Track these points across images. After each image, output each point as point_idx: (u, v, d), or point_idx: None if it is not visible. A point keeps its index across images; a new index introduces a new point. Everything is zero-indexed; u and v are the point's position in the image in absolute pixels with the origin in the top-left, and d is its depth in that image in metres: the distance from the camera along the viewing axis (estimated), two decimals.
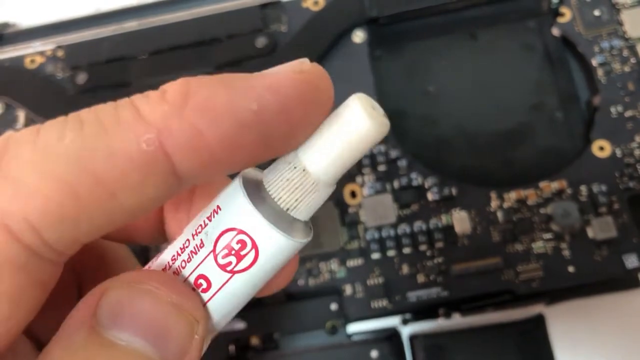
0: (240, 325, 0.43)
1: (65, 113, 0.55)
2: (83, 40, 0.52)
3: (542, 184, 0.43)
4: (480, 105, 0.48)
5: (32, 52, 0.52)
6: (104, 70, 0.50)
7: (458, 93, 0.49)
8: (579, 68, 0.49)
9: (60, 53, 0.52)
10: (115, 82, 0.50)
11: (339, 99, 0.50)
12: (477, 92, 0.49)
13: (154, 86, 0.52)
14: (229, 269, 0.17)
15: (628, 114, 0.44)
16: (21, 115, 0.50)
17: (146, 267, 0.19)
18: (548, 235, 0.42)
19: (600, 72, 0.46)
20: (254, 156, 0.17)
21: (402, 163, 0.45)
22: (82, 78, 0.50)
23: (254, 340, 0.42)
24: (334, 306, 0.42)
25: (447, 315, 0.42)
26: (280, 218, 0.18)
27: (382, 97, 0.47)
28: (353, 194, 0.44)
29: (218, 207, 0.18)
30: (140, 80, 0.49)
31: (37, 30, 0.53)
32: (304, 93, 0.17)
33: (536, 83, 0.49)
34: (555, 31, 0.49)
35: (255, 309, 0.43)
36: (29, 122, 0.50)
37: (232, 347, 0.42)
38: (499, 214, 0.43)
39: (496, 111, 0.48)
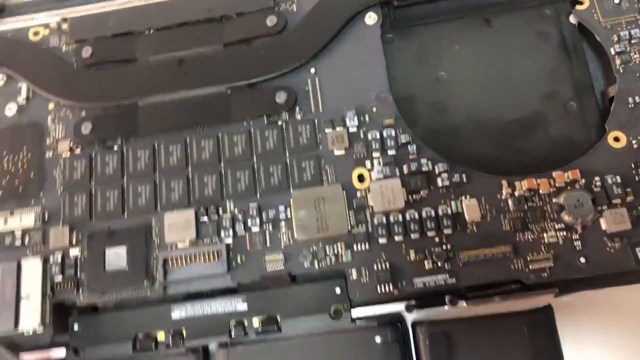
0: (243, 306, 0.42)
1: (68, 87, 0.54)
2: (89, 13, 0.51)
3: (555, 173, 0.42)
4: (492, 92, 0.47)
5: (37, 24, 0.51)
6: (109, 44, 0.49)
7: (470, 80, 0.48)
8: (595, 57, 0.48)
9: (65, 26, 0.50)
10: (120, 57, 0.49)
11: (352, 82, 0.49)
12: (490, 79, 0.48)
13: (161, 62, 0.52)
14: None
15: None
16: (23, 87, 0.48)
17: None
18: (560, 225, 0.41)
19: (618, 61, 0.45)
20: None
21: (412, 148, 0.44)
22: (86, 52, 0.49)
23: (256, 322, 0.41)
24: (338, 290, 0.42)
25: (453, 303, 0.41)
26: None
27: (393, 82, 0.46)
28: (361, 178, 0.43)
29: None
30: (146, 56, 0.48)
31: (42, 2, 0.52)
32: None
33: (551, 72, 0.48)
34: (572, 19, 0.48)
35: (258, 290, 0.42)
36: (30, 95, 0.48)
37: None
38: (510, 202, 0.42)
39: (509, 99, 0.47)
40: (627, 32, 0.45)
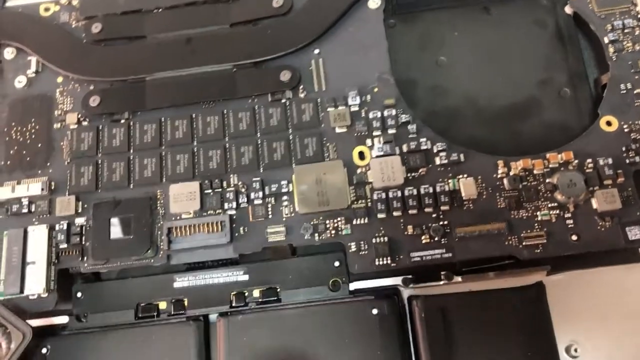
0: (244, 277, 0.43)
1: (77, 62, 0.55)
2: None
3: (549, 154, 0.43)
4: (490, 77, 0.49)
5: (48, 0, 0.52)
6: (118, 21, 0.50)
7: (469, 65, 0.49)
8: (589, 46, 0.49)
9: (75, 2, 0.51)
10: (129, 34, 0.50)
11: (355, 63, 0.51)
12: (488, 64, 0.49)
13: (169, 40, 0.53)
14: None
15: (637, 91, 0.45)
16: (33, 61, 0.49)
17: None
18: (553, 204, 0.42)
19: (611, 50, 0.46)
20: None
21: (412, 127, 0.45)
22: (96, 28, 0.50)
23: (256, 293, 0.43)
24: (337, 263, 0.43)
25: (449, 278, 0.42)
26: None
27: (394, 66, 0.48)
28: (362, 155, 0.45)
29: None
30: (154, 33, 0.49)
31: None
32: None
33: (546, 59, 0.49)
34: (568, 9, 0.49)
35: (258, 261, 0.43)
36: (40, 68, 0.49)
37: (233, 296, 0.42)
38: (505, 181, 0.43)
39: (506, 84, 0.49)
40: (620, 22, 0.47)
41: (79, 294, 0.44)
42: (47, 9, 0.51)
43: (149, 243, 0.43)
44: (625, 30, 0.47)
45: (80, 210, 0.45)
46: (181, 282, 0.44)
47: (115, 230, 0.44)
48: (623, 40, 0.46)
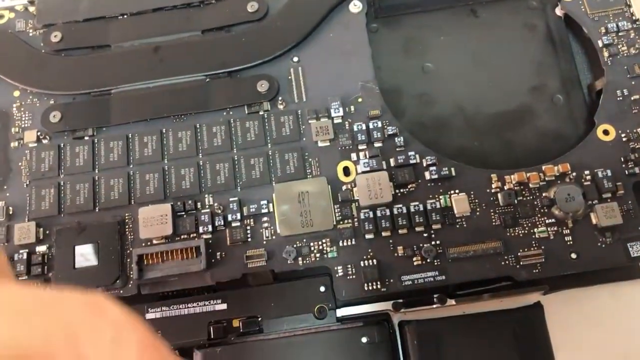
0: (222, 306, 0.40)
1: (35, 74, 0.51)
2: None
3: (545, 167, 0.41)
4: (479, 84, 0.46)
5: (1, 7, 0.48)
6: (80, 29, 0.46)
7: (457, 71, 0.47)
8: (582, 50, 0.47)
9: (32, 9, 0.47)
10: (92, 43, 0.46)
11: (336, 71, 0.48)
12: (477, 70, 0.47)
13: (135, 49, 0.49)
14: None
15: (634, 97, 0.43)
16: None
17: None
18: (550, 220, 0.40)
19: (605, 54, 0.44)
20: None
21: (400, 140, 0.42)
22: (55, 37, 0.46)
23: (236, 323, 0.39)
24: (323, 288, 0.40)
25: (442, 301, 0.39)
26: None
27: (378, 73, 0.45)
28: (347, 171, 0.42)
29: None
30: (119, 42, 0.46)
31: None
32: None
33: (537, 64, 0.47)
34: (559, 11, 0.47)
35: (238, 289, 0.40)
36: None
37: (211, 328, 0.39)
38: (500, 197, 0.41)
39: (496, 91, 0.46)
40: (614, 24, 0.45)
41: None
42: (0, 17, 0.47)
43: (117, 272, 0.40)
44: (620, 33, 0.44)
45: (41, 238, 0.41)
46: (154, 313, 0.40)
47: (81, 259, 0.40)
48: (618, 44, 0.44)
